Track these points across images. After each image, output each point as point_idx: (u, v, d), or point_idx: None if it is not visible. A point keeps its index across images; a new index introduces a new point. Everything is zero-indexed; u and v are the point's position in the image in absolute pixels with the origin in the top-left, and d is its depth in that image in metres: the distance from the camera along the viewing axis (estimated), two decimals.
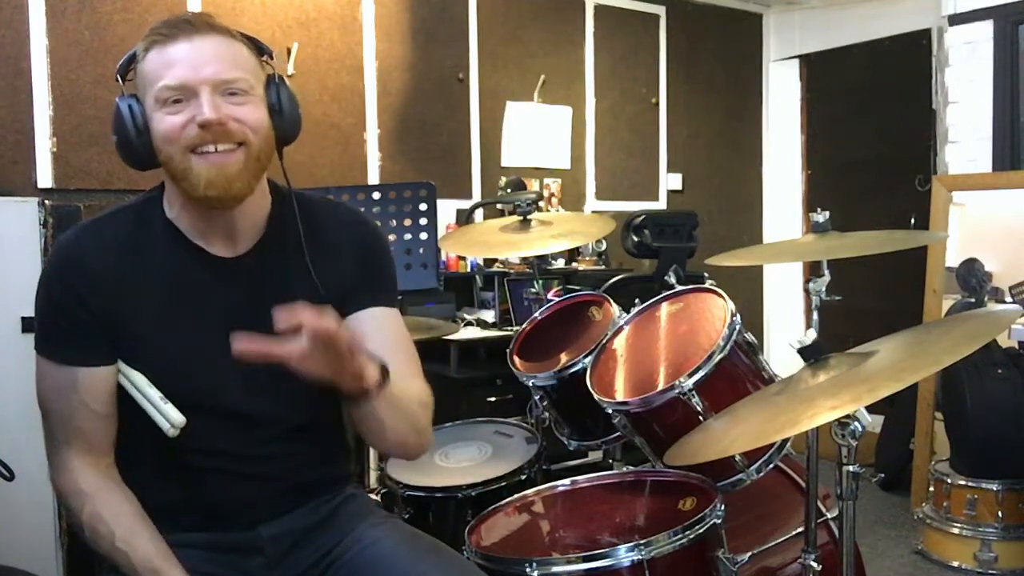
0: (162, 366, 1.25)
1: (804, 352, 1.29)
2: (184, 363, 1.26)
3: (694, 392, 1.52)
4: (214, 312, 1.27)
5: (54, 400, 1.26)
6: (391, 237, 2.42)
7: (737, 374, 1.61)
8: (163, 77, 1.17)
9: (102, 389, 1.25)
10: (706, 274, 2.28)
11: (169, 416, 1.22)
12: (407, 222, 2.43)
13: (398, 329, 1.40)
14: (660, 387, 1.57)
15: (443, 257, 3.49)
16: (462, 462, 2.03)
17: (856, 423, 1.26)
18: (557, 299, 2.20)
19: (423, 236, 2.43)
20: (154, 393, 1.23)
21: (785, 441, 1.57)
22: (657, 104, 4.56)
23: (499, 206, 3.67)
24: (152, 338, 1.25)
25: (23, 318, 2.37)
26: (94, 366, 1.24)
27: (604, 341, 1.83)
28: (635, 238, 2.78)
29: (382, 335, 1.34)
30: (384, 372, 1.19)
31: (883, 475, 3.79)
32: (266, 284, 1.30)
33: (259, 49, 1.29)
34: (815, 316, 1.68)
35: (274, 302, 1.26)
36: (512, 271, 3.61)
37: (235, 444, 1.28)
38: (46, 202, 2.44)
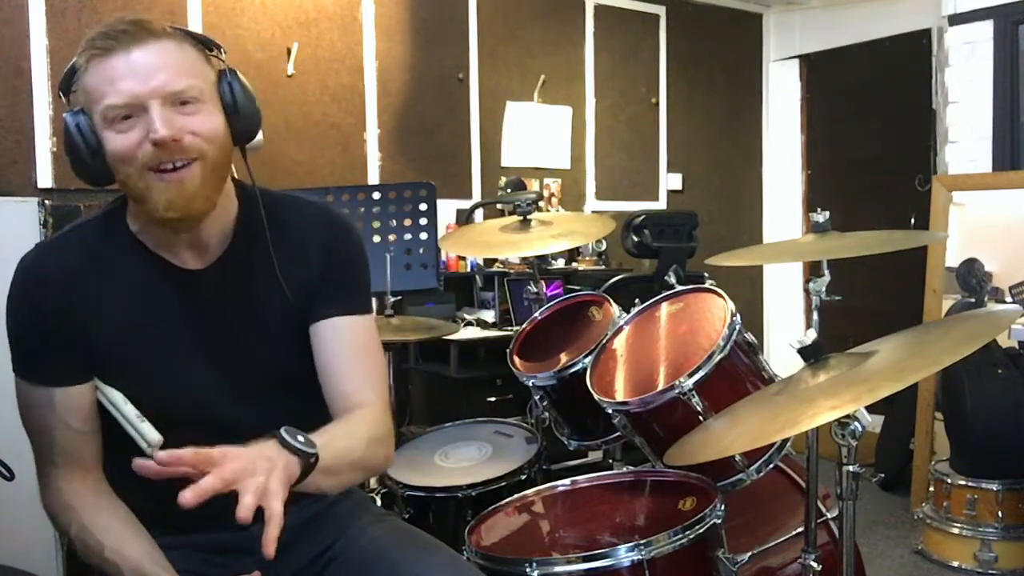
0: (136, 382, 1.23)
1: (804, 352, 1.29)
2: (158, 378, 1.23)
3: (694, 392, 1.52)
4: (184, 326, 1.24)
5: (35, 420, 1.24)
6: (391, 237, 2.42)
7: (737, 374, 1.61)
8: (107, 95, 1.10)
9: (80, 407, 1.22)
10: (706, 274, 2.28)
11: (146, 435, 1.19)
12: (407, 222, 2.44)
13: (361, 339, 1.32)
14: (660, 387, 1.57)
15: (443, 257, 3.49)
16: (462, 462, 2.03)
17: (856, 423, 1.26)
18: (559, 295, 2.20)
19: (423, 236, 2.44)
20: (130, 411, 1.20)
21: (785, 441, 1.57)
22: (657, 104, 4.56)
23: (499, 206, 3.67)
24: (123, 353, 1.22)
25: None
26: (69, 385, 1.21)
27: (604, 341, 1.83)
28: (635, 238, 2.79)
29: (341, 348, 1.29)
30: (306, 467, 1.07)
31: (883, 475, 3.79)
32: (235, 295, 1.26)
33: (206, 45, 1.22)
34: (815, 316, 1.68)
35: (244, 313, 1.26)
36: (512, 271, 3.61)
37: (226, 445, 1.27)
38: (46, 202, 2.44)
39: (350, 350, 1.30)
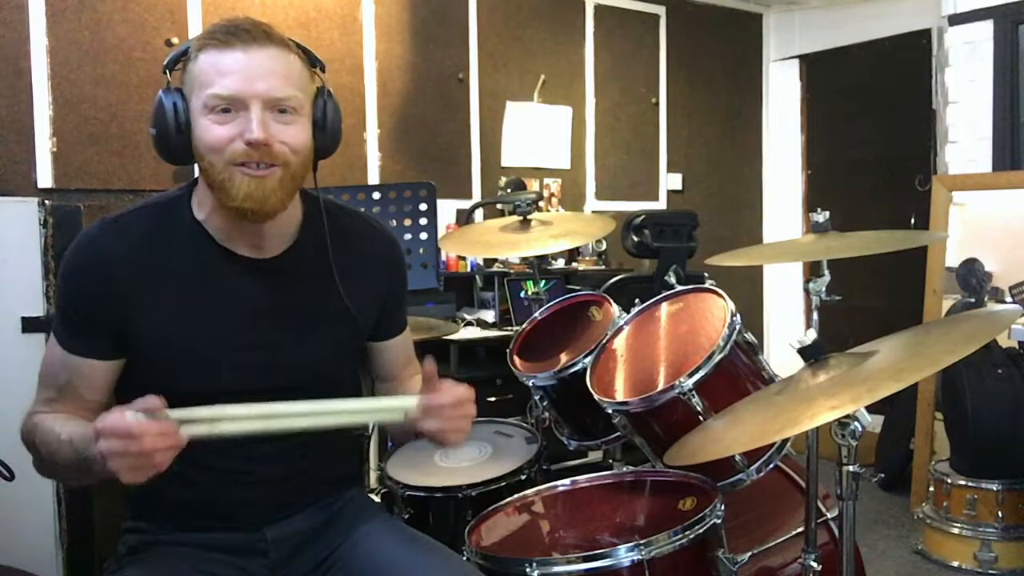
0: (187, 365, 1.25)
1: (804, 352, 1.29)
2: (202, 357, 1.26)
3: (694, 392, 1.52)
4: (236, 309, 1.27)
5: (49, 374, 1.28)
6: None
7: (737, 374, 1.61)
8: (214, 84, 1.16)
9: (95, 380, 1.26)
10: (706, 274, 2.28)
11: None
12: (407, 222, 2.43)
13: (411, 347, 1.52)
14: (660, 387, 1.57)
15: (443, 257, 3.49)
16: (462, 462, 2.03)
17: (856, 423, 1.26)
18: (549, 297, 2.21)
19: (423, 236, 2.43)
20: None
21: (785, 441, 1.57)
22: (657, 104, 4.56)
23: (499, 206, 3.67)
24: (169, 331, 1.24)
25: (23, 318, 2.37)
26: (94, 359, 1.25)
27: (604, 341, 1.83)
28: (635, 238, 2.78)
29: (403, 360, 1.48)
30: None
31: (883, 475, 3.79)
32: (292, 287, 1.31)
33: (311, 60, 1.28)
34: (815, 316, 1.68)
35: (299, 305, 1.30)
36: (512, 271, 3.61)
37: (245, 440, 1.27)
38: (46, 202, 2.44)
39: (408, 360, 1.50)
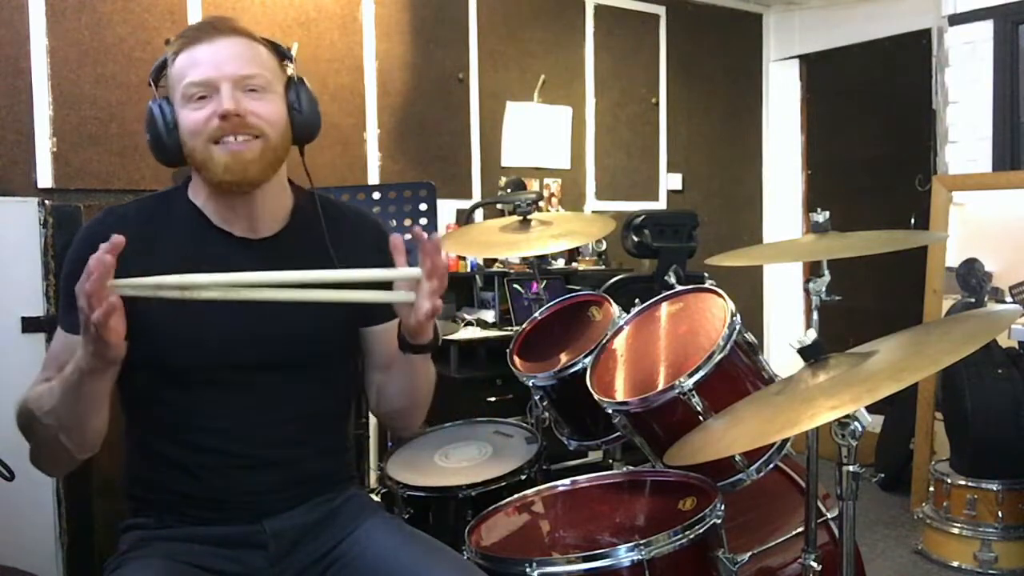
0: (177, 338, 1.28)
1: (804, 352, 1.29)
2: (200, 336, 1.29)
3: (694, 392, 1.52)
4: None
5: (51, 357, 1.30)
6: None
7: (737, 374, 1.61)
8: (188, 75, 1.26)
9: None
10: (706, 274, 2.28)
11: None
12: (407, 222, 2.44)
13: None
14: (660, 387, 1.57)
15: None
16: (462, 462, 2.03)
17: (856, 423, 1.26)
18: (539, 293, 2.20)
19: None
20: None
21: (785, 441, 1.57)
22: (657, 104, 4.56)
23: (499, 206, 3.67)
24: (168, 311, 1.25)
25: (23, 318, 2.37)
26: None
27: (604, 341, 1.83)
28: (635, 238, 2.78)
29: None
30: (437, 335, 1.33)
31: (883, 475, 3.79)
32: (284, 265, 1.32)
33: (279, 52, 1.37)
34: (815, 316, 1.68)
35: None
36: (512, 271, 3.61)
37: (242, 422, 1.31)
38: (46, 202, 2.44)
39: None
